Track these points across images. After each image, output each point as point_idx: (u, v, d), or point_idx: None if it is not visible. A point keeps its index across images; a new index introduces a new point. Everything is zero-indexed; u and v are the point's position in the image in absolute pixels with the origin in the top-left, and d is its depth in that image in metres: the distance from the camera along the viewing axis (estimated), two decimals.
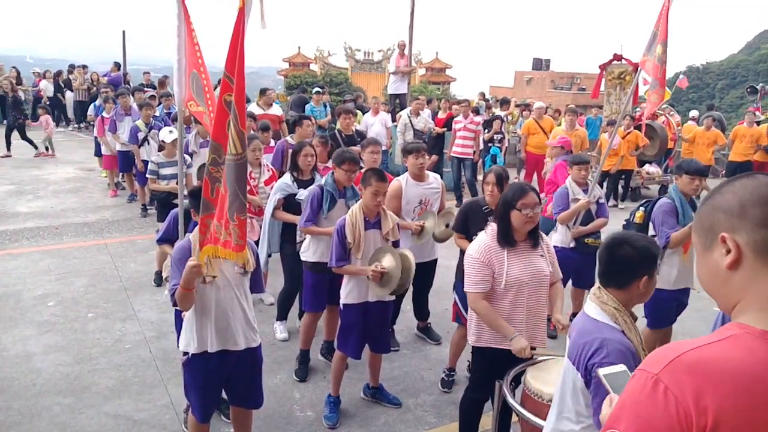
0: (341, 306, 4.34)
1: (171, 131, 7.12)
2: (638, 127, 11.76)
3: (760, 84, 19.08)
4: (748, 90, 19.32)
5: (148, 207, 9.55)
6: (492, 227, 3.56)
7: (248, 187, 6.11)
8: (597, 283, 2.56)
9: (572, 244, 5.69)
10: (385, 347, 4.54)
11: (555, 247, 5.08)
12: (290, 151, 5.69)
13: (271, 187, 6.10)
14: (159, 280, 6.80)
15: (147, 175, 7.06)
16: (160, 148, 7.20)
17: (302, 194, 5.24)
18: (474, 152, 11.29)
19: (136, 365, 5.06)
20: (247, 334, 3.52)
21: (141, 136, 9.33)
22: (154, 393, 4.67)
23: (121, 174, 11.19)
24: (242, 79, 2.93)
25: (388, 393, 4.63)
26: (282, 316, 5.70)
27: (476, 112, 11.84)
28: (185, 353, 3.48)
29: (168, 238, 4.23)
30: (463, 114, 11.36)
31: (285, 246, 5.49)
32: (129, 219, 9.51)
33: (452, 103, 12.67)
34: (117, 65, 18.43)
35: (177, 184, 6.81)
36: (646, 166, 12.68)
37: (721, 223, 1.23)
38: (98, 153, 11.43)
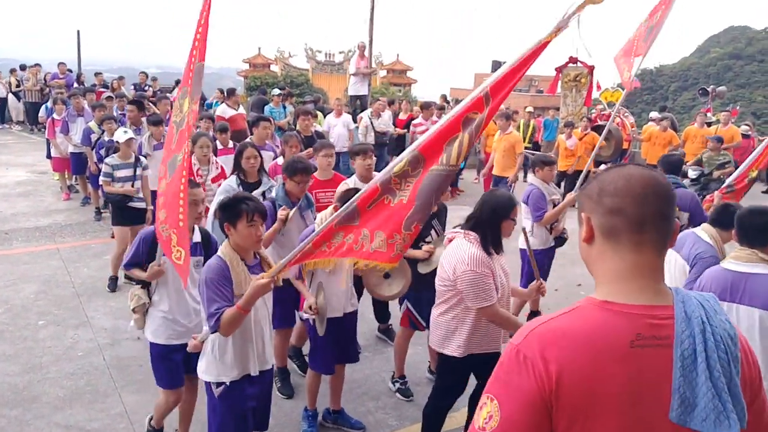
0: (310, 322, 4.12)
1: (125, 131, 6.93)
2: (595, 128, 12.02)
3: (711, 86, 19.64)
4: (700, 92, 19.88)
5: (102, 210, 9.31)
6: (472, 236, 3.53)
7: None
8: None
9: (552, 243, 5.74)
10: (355, 356, 4.42)
11: (535, 250, 5.19)
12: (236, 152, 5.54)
13: (218, 185, 6.03)
14: (114, 286, 6.64)
15: (101, 178, 6.82)
16: (115, 150, 6.98)
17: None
18: None
19: (88, 373, 4.91)
20: (270, 350, 3.44)
21: (94, 137, 9.08)
22: (108, 402, 4.54)
23: (74, 176, 10.90)
24: (500, 100, 2.58)
25: (350, 417, 4.44)
26: None
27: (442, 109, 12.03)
28: (219, 384, 3.24)
29: (137, 263, 3.74)
30: (423, 116, 11.42)
31: None
32: (82, 223, 9.25)
33: (421, 106, 12.67)
34: (63, 65, 17.90)
35: (132, 186, 6.71)
36: (602, 167, 12.94)
37: (584, 204, 1.48)
38: (50, 155, 11.11)
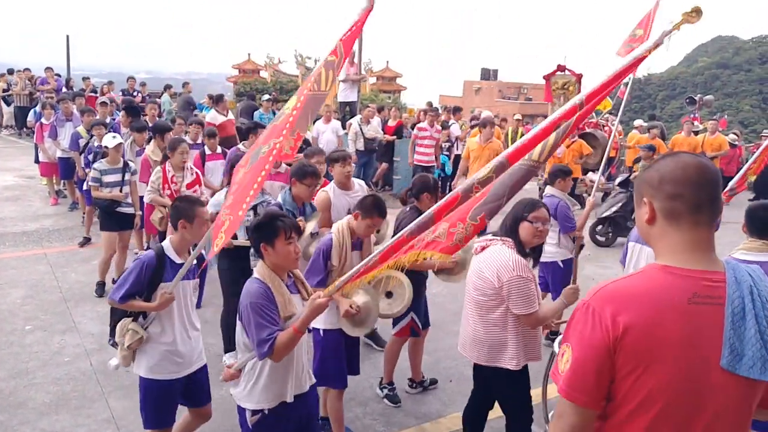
0: (320, 332, 3.97)
1: (114, 137, 6.90)
2: (582, 136, 12.12)
3: (698, 95, 19.85)
4: (687, 101, 20.07)
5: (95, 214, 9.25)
6: (510, 242, 3.48)
7: (169, 192, 5.96)
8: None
9: (573, 252, 5.81)
10: (356, 368, 4.30)
11: (557, 263, 5.27)
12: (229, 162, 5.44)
13: (194, 191, 6.06)
14: (101, 291, 6.62)
15: (90, 183, 6.80)
16: (104, 155, 6.95)
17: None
18: (435, 159, 11.49)
19: (75, 379, 4.90)
20: (308, 372, 3.29)
21: (82, 142, 9.04)
22: (95, 407, 4.52)
23: (62, 181, 10.85)
24: (590, 108, 2.56)
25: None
26: (231, 345, 4.93)
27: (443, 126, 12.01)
28: (256, 412, 3.07)
29: (137, 292, 3.41)
30: (429, 122, 11.39)
31: (221, 260, 5.11)
32: (70, 228, 9.20)
33: (422, 111, 12.63)
34: (50, 70, 17.80)
35: (120, 191, 6.68)
36: (590, 174, 13.05)
37: (645, 190, 1.69)
38: (38, 160, 11.05)
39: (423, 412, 4.71)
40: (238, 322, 3.03)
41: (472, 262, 3.69)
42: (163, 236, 6.07)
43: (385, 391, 4.85)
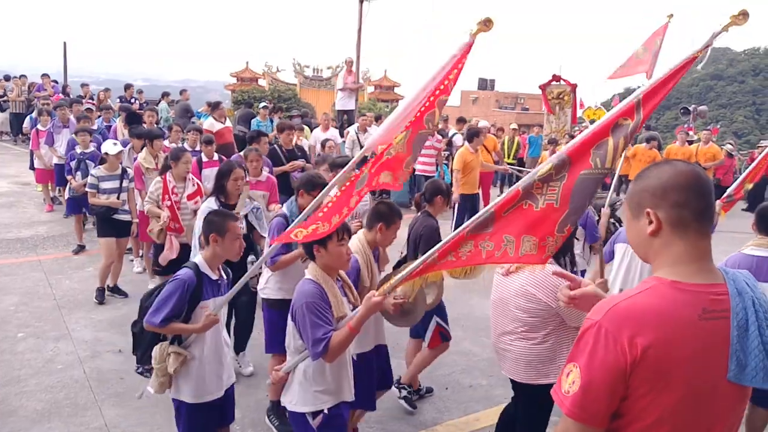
0: (353, 357, 3.58)
1: (115, 143, 6.87)
2: None
3: (693, 105, 19.99)
4: (682, 111, 20.22)
5: (85, 222, 9.22)
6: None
7: (169, 203, 5.75)
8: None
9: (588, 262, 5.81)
10: (390, 380, 4.23)
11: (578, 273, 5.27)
12: (217, 171, 5.26)
13: (195, 203, 5.91)
14: (102, 297, 6.57)
15: (86, 189, 6.77)
16: (102, 161, 6.89)
17: None
18: (436, 168, 11.46)
19: (68, 386, 4.85)
20: None
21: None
22: (87, 415, 4.48)
23: (57, 188, 10.81)
24: (650, 109, 2.49)
25: None
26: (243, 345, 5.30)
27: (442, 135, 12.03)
28: (316, 413, 3.01)
29: (178, 314, 3.24)
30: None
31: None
32: (65, 234, 9.16)
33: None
34: (47, 77, 17.79)
35: (118, 198, 6.63)
36: None
37: (647, 200, 1.64)
38: (33, 166, 11.02)
39: (419, 420, 4.67)
40: (289, 323, 3.02)
41: (501, 282, 3.59)
42: (160, 247, 5.99)
43: (404, 392, 4.77)
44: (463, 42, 2.98)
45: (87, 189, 6.76)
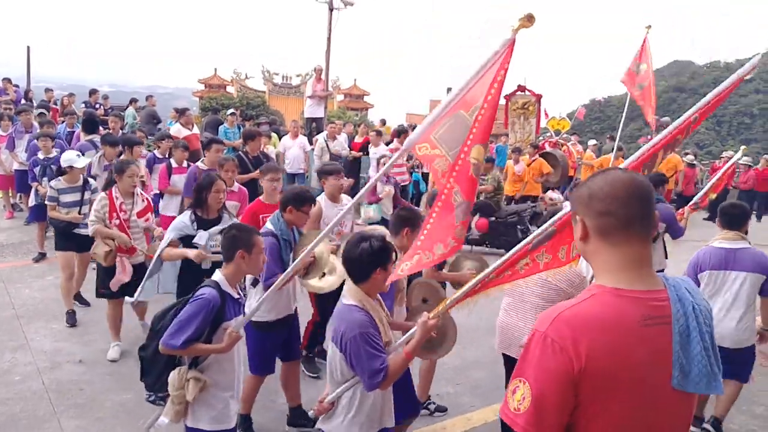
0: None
1: (79, 155, 6.44)
2: (543, 155, 12.43)
3: (656, 117, 20.49)
4: (645, 122, 20.71)
5: (47, 229, 9.01)
6: None
7: (118, 221, 5.33)
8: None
9: None
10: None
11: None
12: (196, 183, 5.00)
13: (146, 220, 5.58)
14: (73, 320, 6.16)
15: (46, 202, 6.35)
16: (61, 172, 6.41)
17: (201, 238, 4.61)
18: (410, 175, 11.46)
19: (25, 399, 4.73)
20: None
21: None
22: (46, 428, 4.37)
23: (18, 195, 10.57)
24: (697, 124, 2.60)
25: None
26: None
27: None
28: None
29: (200, 336, 3.08)
30: (399, 141, 11.38)
31: (183, 288, 4.63)
32: (25, 242, 8.95)
33: (398, 132, 12.43)
34: (8, 81, 17.39)
35: (79, 212, 6.21)
36: (549, 193, 13.31)
37: (577, 207, 1.68)
38: None
39: None
40: (335, 353, 2.85)
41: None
42: (107, 271, 5.41)
43: (432, 406, 4.73)
44: (505, 39, 2.80)
45: (46, 202, 6.34)
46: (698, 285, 4.49)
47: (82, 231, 6.08)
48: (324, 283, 4.26)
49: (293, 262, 3.90)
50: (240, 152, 8.54)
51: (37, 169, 7.92)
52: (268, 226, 4.33)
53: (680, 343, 1.54)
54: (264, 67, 25.93)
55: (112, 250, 5.33)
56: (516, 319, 3.87)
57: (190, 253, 4.52)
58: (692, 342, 1.54)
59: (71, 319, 6.18)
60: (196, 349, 3.09)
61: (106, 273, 5.45)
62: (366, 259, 2.86)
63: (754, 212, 14.01)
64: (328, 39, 15.67)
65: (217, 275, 3.26)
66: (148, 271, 4.86)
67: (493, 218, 9.92)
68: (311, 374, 5.29)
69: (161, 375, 3.21)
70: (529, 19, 2.68)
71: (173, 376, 3.12)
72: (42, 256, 8.18)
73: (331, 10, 15.51)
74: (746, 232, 4.54)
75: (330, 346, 2.91)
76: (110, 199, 5.38)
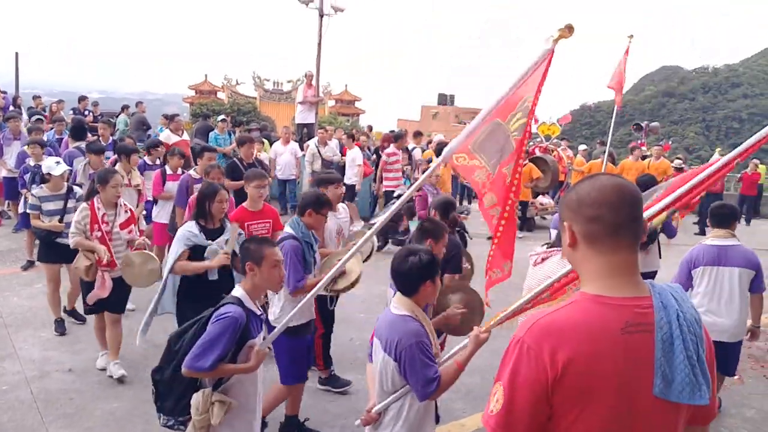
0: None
1: (58, 162, 6.22)
2: (533, 160, 12.50)
3: (645, 122, 20.62)
4: (634, 127, 20.83)
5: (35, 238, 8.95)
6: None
7: (100, 233, 5.10)
8: None
9: None
10: None
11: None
12: (198, 193, 4.81)
13: (129, 232, 5.34)
14: (62, 328, 6.09)
15: (28, 210, 6.19)
16: (43, 180, 6.25)
17: (213, 251, 4.52)
18: (404, 183, 11.23)
19: (13, 408, 4.67)
20: None
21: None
22: None
23: (6, 202, 10.48)
24: None
25: None
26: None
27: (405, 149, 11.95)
28: None
29: (225, 356, 2.97)
30: (398, 147, 11.23)
31: (184, 306, 4.53)
32: (14, 250, 8.87)
33: (395, 136, 12.30)
34: None
35: (61, 220, 5.96)
36: (540, 198, 13.35)
37: (565, 214, 1.65)
38: None
39: None
40: (390, 364, 2.85)
41: (532, 273, 3.94)
42: (88, 285, 5.18)
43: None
44: (544, 49, 2.85)
45: (29, 210, 6.17)
46: (691, 281, 4.75)
47: (66, 240, 5.60)
48: (347, 282, 4.35)
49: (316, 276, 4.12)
50: (235, 159, 8.52)
51: (27, 176, 7.86)
52: (288, 230, 4.36)
53: (663, 351, 1.50)
54: (255, 73, 25.92)
55: (93, 264, 5.09)
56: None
57: (213, 262, 4.44)
58: (676, 350, 1.51)
59: (60, 328, 6.11)
60: (224, 370, 2.98)
61: (88, 288, 5.21)
62: (415, 273, 2.91)
63: (743, 216, 14.16)
64: (319, 45, 15.66)
65: (238, 291, 3.17)
66: (158, 293, 4.68)
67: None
68: (338, 389, 5.17)
69: (181, 398, 3.09)
70: (569, 30, 2.78)
71: (197, 400, 3.00)
72: (30, 264, 8.10)
73: (321, 16, 15.51)
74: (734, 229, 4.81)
75: (380, 357, 2.91)
76: (92, 210, 5.16)
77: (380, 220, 3.63)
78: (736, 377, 4.83)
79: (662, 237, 5.91)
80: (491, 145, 3.02)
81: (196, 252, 4.52)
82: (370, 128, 18.33)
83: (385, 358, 2.86)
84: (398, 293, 2.99)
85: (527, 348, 1.50)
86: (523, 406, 1.49)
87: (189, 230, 4.53)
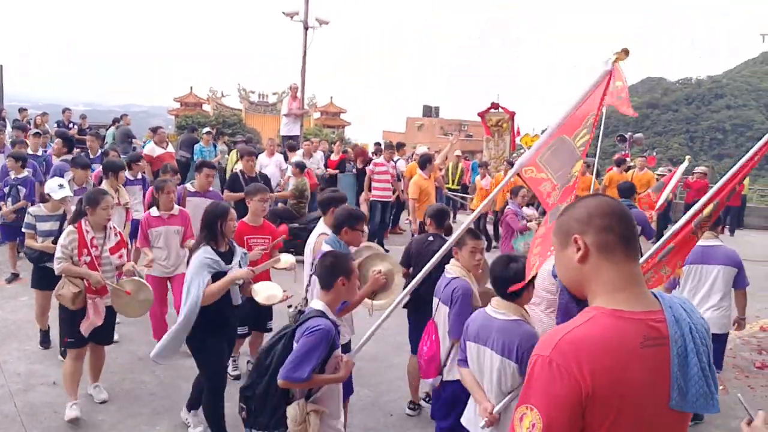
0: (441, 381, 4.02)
1: (61, 186, 5.86)
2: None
3: (629, 133, 20.85)
4: (618, 138, 21.06)
5: (19, 250, 8.86)
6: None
7: (89, 258, 4.72)
8: None
9: None
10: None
11: None
12: (206, 213, 4.45)
13: (119, 257, 4.95)
14: (46, 341, 6.01)
15: (23, 229, 5.87)
16: (42, 199, 6.02)
17: (232, 271, 4.32)
18: (393, 193, 11.28)
19: None
20: None
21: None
22: None
23: None
24: None
25: None
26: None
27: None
28: None
29: (316, 366, 3.07)
30: (385, 157, 11.30)
31: (199, 335, 4.24)
32: None
33: (385, 146, 12.26)
34: None
35: (54, 242, 5.40)
36: (524, 209, 13.42)
37: (574, 228, 1.66)
38: None
39: None
40: (510, 366, 2.99)
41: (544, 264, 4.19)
42: (72, 315, 4.71)
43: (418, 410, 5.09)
44: (604, 70, 3.24)
45: (24, 229, 5.88)
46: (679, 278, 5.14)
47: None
48: (389, 299, 4.12)
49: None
50: (237, 172, 8.55)
51: (7, 189, 7.83)
52: (327, 248, 4.07)
53: (678, 365, 1.55)
54: (240, 85, 26.00)
55: (81, 291, 4.66)
56: None
57: (240, 272, 4.30)
58: (690, 363, 1.56)
59: (45, 341, 6.06)
60: (318, 380, 3.06)
61: (72, 317, 4.73)
62: (521, 279, 3.08)
63: (726, 226, 14.33)
64: (303, 57, 15.77)
65: (319, 304, 3.21)
66: (184, 320, 4.16)
67: (295, 224, 9.55)
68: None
69: (275, 411, 3.13)
70: (625, 53, 3.19)
71: (293, 411, 3.04)
72: (15, 277, 8.06)
73: (306, 29, 15.62)
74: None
75: (494, 360, 3.05)
76: (80, 234, 4.74)
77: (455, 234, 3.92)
78: (721, 387, 4.92)
79: (641, 239, 6.11)
80: (557, 159, 3.34)
81: (213, 280, 4.23)
82: (379, 145, 18.40)
83: (504, 362, 3.00)
84: (497, 298, 3.18)
85: (557, 366, 1.50)
86: (563, 423, 1.49)
87: (209, 256, 4.20)
